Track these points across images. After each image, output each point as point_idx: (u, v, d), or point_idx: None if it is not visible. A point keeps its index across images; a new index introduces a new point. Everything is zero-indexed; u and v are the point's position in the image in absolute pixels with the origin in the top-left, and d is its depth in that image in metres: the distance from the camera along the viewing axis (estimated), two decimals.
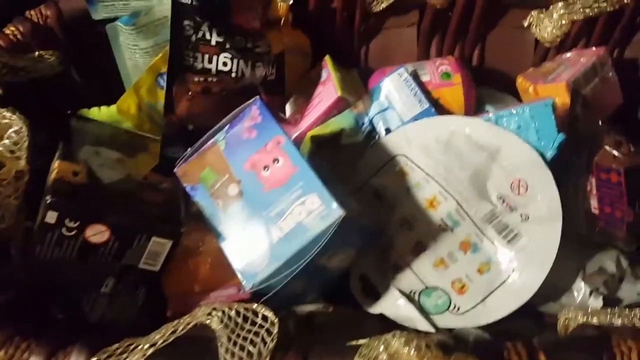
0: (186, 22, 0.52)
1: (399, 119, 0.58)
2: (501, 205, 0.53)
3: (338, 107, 0.59)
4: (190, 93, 0.52)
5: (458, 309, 0.51)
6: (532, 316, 0.52)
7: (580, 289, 0.51)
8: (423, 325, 0.50)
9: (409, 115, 0.58)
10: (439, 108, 0.58)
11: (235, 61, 0.54)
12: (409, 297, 0.52)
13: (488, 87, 0.64)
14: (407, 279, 0.52)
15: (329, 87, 0.59)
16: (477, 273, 0.51)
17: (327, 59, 0.62)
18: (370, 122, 0.59)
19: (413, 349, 0.37)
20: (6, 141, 0.46)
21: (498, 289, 0.51)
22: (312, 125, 0.59)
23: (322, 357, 0.41)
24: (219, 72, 0.53)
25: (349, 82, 0.62)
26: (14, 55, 0.55)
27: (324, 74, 0.61)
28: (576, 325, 0.44)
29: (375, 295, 0.53)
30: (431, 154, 0.55)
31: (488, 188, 0.54)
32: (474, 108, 0.59)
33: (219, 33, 0.53)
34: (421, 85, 0.59)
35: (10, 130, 0.47)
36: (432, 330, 0.50)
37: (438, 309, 0.51)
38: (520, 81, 0.61)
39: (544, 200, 0.52)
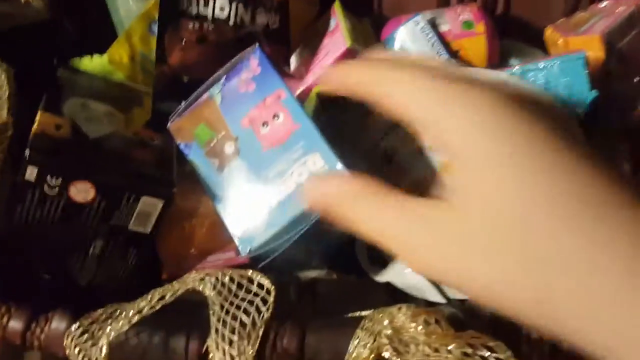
0: None
1: None
2: None
3: (347, 59, 0.54)
4: (184, 41, 0.48)
5: None
6: None
7: None
8: (433, 295, 0.47)
9: None
10: (459, 61, 0.53)
11: (233, 5, 0.49)
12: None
13: (513, 39, 0.58)
14: None
15: (337, 38, 0.55)
16: None
17: (337, 6, 0.57)
18: None
19: (421, 325, 0.34)
20: None
21: None
22: (318, 80, 0.55)
23: (322, 330, 0.38)
24: (215, 18, 0.49)
25: (360, 32, 0.56)
26: None
27: (332, 23, 0.56)
28: None
29: (382, 263, 0.49)
30: None
31: None
32: (497, 61, 0.54)
33: None
34: (440, 36, 0.54)
35: None
36: (442, 300, 0.46)
37: None
38: (550, 33, 0.56)
39: None
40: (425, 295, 0.47)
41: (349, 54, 0.54)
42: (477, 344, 0.33)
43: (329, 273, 0.53)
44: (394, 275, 0.48)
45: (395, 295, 0.47)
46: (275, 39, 0.54)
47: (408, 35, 0.54)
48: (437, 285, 0.47)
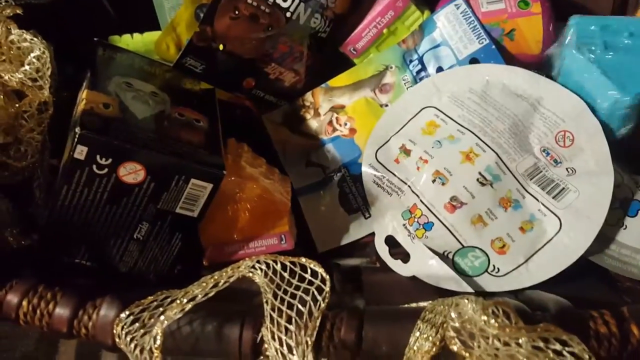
0: None
1: (453, 57, 0.52)
2: (545, 159, 0.48)
3: (396, 7, 0.52)
4: (237, 12, 0.46)
5: (498, 270, 0.46)
6: (606, 282, 0.47)
7: None
8: (460, 286, 0.45)
9: (466, 53, 0.52)
10: (512, 41, 0.52)
11: (296, 1, 0.48)
12: (443, 258, 0.47)
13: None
14: (441, 238, 0.47)
15: None
16: (519, 231, 0.46)
17: None
18: (421, 60, 0.53)
19: (491, 317, 0.32)
20: (27, 67, 0.41)
21: (542, 249, 0.45)
22: (364, 29, 0.53)
23: (380, 321, 0.37)
24: (275, 4, 0.47)
25: None
26: None
27: None
28: None
29: (405, 256, 0.48)
30: (465, 105, 0.50)
31: (530, 140, 0.49)
32: (553, 42, 0.52)
33: None
34: (479, 20, 0.52)
35: (32, 55, 0.42)
36: (469, 290, 0.45)
37: (475, 271, 0.46)
38: None
39: (591, 153, 0.47)
40: (448, 286, 0.45)
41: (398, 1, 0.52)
42: (550, 337, 0.32)
43: (371, 261, 0.52)
44: (419, 267, 0.47)
45: (442, 291, 0.46)
46: (317, 46, 0.53)
47: (447, 19, 0.52)
48: (465, 277, 0.46)
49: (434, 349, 0.34)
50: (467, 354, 0.32)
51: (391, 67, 0.53)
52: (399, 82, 0.53)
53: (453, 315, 0.33)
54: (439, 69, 0.53)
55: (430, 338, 0.35)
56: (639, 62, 0.47)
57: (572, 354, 0.31)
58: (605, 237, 0.46)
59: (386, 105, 0.53)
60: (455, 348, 0.32)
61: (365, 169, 0.51)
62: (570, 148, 0.48)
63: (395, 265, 0.47)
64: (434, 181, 0.47)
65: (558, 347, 0.32)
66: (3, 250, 0.42)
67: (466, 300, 0.34)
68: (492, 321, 0.32)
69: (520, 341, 0.32)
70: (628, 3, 0.58)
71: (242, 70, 0.51)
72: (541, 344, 0.32)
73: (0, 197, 0.44)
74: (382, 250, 0.48)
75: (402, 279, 0.47)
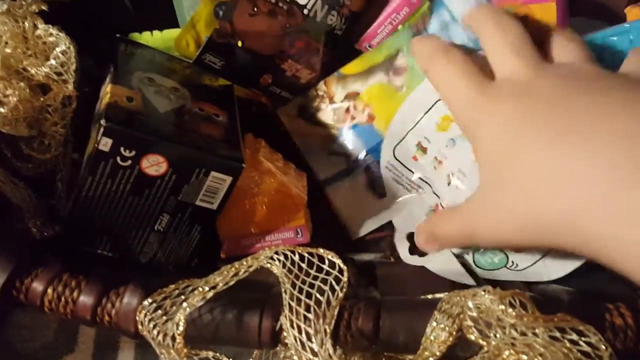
0: None
1: (466, 37, 0.51)
2: None
3: (412, 4, 0.52)
4: (255, 9, 0.47)
5: (517, 265, 0.46)
6: (620, 276, 0.47)
7: None
8: (469, 280, 0.46)
9: None
10: (526, 26, 0.51)
11: None
12: (462, 257, 0.47)
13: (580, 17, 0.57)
14: None
15: None
16: None
17: None
18: None
19: (509, 307, 0.33)
20: (52, 61, 0.42)
21: None
22: (379, 26, 0.53)
23: (397, 311, 0.37)
24: (293, 1, 0.48)
25: None
26: None
27: None
28: None
29: (421, 253, 0.48)
30: None
31: None
32: None
33: None
34: None
35: (57, 49, 0.43)
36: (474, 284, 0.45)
37: (494, 266, 0.46)
38: (636, 11, 0.54)
39: None
40: (461, 279, 0.46)
41: None
42: (567, 327, 0.32)
43: (385, 255, 0.52)
44: (432, 263, 0.47)
45: (456, 284, 0.46)
46: (333, 43, 0.53)
47: None
48: (481, 271, 0.47)
49: (451, 339, 0.35)
50: (485, 343, 0.33)
51: (403, 50, 0.53)
52: (412, 64, 0.52)
53: (470, 305, 0.34)
54: None
55: (447, 328, 0.35)
56: None
57: (588, 344, 0.32)
58: None
59: (402, 89, 0.52)
60: (472, 337, 0.33)
61: (384, 166, 0.52)
62: None
63: (412, 260, 0.48)
64: (449, 184, 0.48)
65: (575, 337, 0.32)
66: (28, 239, 0.43)
67: (483, 292, 0.35)
68: (510, 310, 0.32)
69: (537, 331, 0.32)
70: None
71: (259, 66, 0.52)
72: (557, 334, 0.32)
73: (24, 188, 0.45)
74: (402, 246, 0.49)
75: (416, 273, 0.48)
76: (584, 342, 0.32)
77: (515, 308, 0.33)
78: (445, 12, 0.52)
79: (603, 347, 0.32)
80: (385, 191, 0.52)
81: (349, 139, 0.53)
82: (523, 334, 0.33)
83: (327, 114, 0.54)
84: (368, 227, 0.52)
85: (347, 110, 0.53)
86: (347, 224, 0.52)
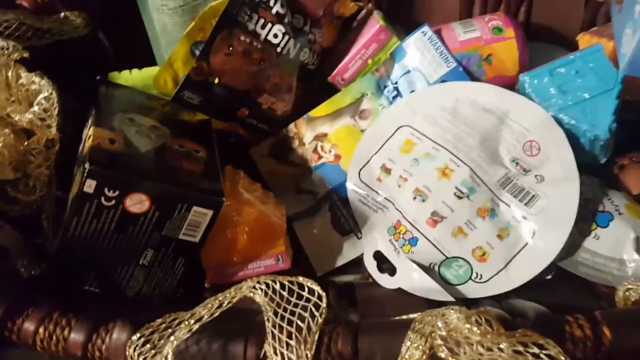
0: None
1: (425, 81, 0.56)
2: (515, 168, 0.52)
3: (379, 39, 0.56)
4: (231, 48, 0.49)
5: (480, 277, 0.49)
6: (583, 288, 0.50)
7: (632, 260, 0.49)
8: (440, 295, 0.48)
9: (436, 77, 0.56)
10: (491, 65, 0.55)
11: (286, 37, 0.51)
12: (429, 270, 0.50)
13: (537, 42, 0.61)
14: (426, 252, 0.50)
15: (369, 24, 0.56)
16: (497, 239, 0.49)
17: (376, 14, 0.58)
18: (395, 86, 0.56)
19: (474, 325, 0.35)
20: (36, 108, 0.44)
21: (519, 254, 0.49)
22: (350, 61, 0.56)
23: (374, 333, 0.40)
24: (266, 40, 0.51)
25: (393, 29, 0.58)
26: (39, 17, 0.52)
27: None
28: (638, 296, 0.42)
29: (392, 270, 0.51)
30: (437, 123, 0.54)
31: (500, 152, 0.52)
32: (527, 64, 0.56)
33: (282, 4, 0.51)
34: (445, 45, 0.56)
35: (40, 96, 0.45)
36: (451, 299, 0.48)
37: (460, 279, 0.49)
38: (587, 38, 0.58)
39: (558, 161, 0.51)
40: (432, 296, 0.48)
41: (382, 33, 0.55)
42: (528, 342, 0.35)
43: (364, 277, 0.55)
44: (403, 280, 0.50)
45: (431, 302, 0.49)
46: (306, 78, 0.56)
47: (416, 46, 0.56)
48: (447, 286, 0.49)
49: (424, 357, 0.37)
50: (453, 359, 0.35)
51: (367, 95, 0.57)
52: (376, 107, 0.56)
53: (440, 324, 0.36)
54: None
55: (420, 347, 0.37)
56: (596, 100, 0.51)
57: (549, 356, 0.34)
58: (580, 247, 0.50)
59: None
60: (443, 355, 0.35)
61: (350, 189, 0.55)
62: (537, 157, 0.52)
63: (382, 279, 0.51)
64: (414, 199, 0.51)
65: (536, 350, 0.35)
66: (17, 279, 0.44)
67: (452, 311, 0.37)
68: (475, 329, 0.35)
69: (501, 346, 0.35)
70: (597, 18, 0.62)
71: (236, 101, 0.54)
72: (520, 348, 0.35)
73: (11, 229, 0.46)
74: (371, 264, 0.52)
75: (393, 293, 0.50)
76: (545, 354, 0.34)
77: (481, 325, 0.36)
78: (406, 60, 0.56)
79: (562, 358, 0.34)
80: (351, 221, 0.54)
81: (316, 178, 0.57)
82: (489, 349, 0.35)
83: (296, 153, 0.57)
84: (331, 264, 0.55)
85: (315, 150, 0.56)
86: (312, 261, 0.55)
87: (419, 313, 0.40)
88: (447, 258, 0.50)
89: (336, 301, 0.51)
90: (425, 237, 0.50)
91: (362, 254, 0.53)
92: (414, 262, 0.50)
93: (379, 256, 0.52)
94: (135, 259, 0.45)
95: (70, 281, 0.45)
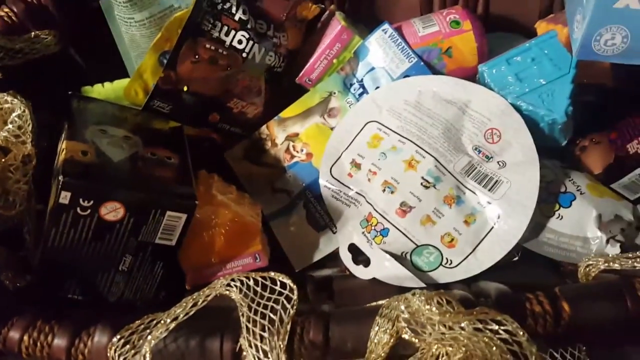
0: None
1: (388, 77, 0.58)
2: (477, 156, 0.54)
3: (342, 39, 0.58)
4: (197, 57, 0.51)
5: (450, 262, 0.51)
6: (550, 267, 0.52)
7: (596, 237, 0.51)
8: (412, 282, 0.50)
9: (398, 72, 0.57)
10: (451, 57, 0.57)
11: (250, 43, 0.53)
12: (401, 259, 0.52)
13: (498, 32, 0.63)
14: (397, 241, 0.52)
15: (331, 25, 0.58)
16: (464, 225, 0.51)
17: (338, 15, 0.60)
18: (361, 84, 0.58)
19: (434, 306, 0.37)
20: (10, 126, 0.46)
21: (486, 238, 0.51)
22: (316, 62, 0.58)
23: (344, 321, 0.41)
24: (231, 46, 0.53)
25: (355, 28, 0.60)
26: (10, 38, 0.54)
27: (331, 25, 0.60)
28: (597, 272, 0.44)
29: (367, 262, 0.53)
30: (402, 116, 0.56)
31: (463, 141, 0.54)
32: (486, 53, 0.58)
33: (244, 11, 0.52)
34: (406, 41, 0.58)
35: (13, 114, 0.46)
36: (422, 285, 0.50)
37: (431, 265, 0.51)
38: (544, 25, 0.60)
39: (518, 146, 0.53)
40: (405, 284, 0.50)
41: (344, 33, 0.57)
42: (487, 319, 0.37)
43: (341, 270, 0.56)
44: (376, 270, 0.52)
45: (404, 290, 0.50)
46: (275, 80, 0.58)
47: (378, 43, 0.58)
48: (419, 273, 0.51)
49: (392, 340, 0.39)
50: (417, 340, 0.37)
51: (334, 93, 0.59)
52: (344, 105, 0.58)
53: (402, 307, 0.38)
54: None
55: (388, 331, 0.39)
56: (552, 85, 0.53)
57: (507, 331, 0.36)
58: (544, 227, 0.52)
59: None
60: (406, 336, 0.37)
61: (322, 185, 0.56)
62: (498, 144, 0.54)
63: (357, 270, 0.52)
64: (384, 191, 0.53)
65: (495, 326, 0.37)
66: (2, 291, 0.46)
67: (414, 294, 0.39)
68: (435, 309, 0.36)
69: (462, 325, 0.37)
70: (553, 6, 0.64)
71: (206, 107, 0.56)
72: (480, 326, 0.37)
73: None
74: (346, 257, 0.53)
75: (368, 283, 0.52)
76: (503, 330, 0.36)
77: (442, 306, 0.37)
78: (370, 58, 0.58)
79: (520, 332, 0.36)
80: (325, 216, 0.56)
81: (290, 177, 0.59)
82: (451, 328, 0.37)
83: (270, 154, 0.59)
84: (308, 259, 0.56)
85: (287, 150, 0.58)
86: (290, 257, 0.56)
87: (386, 300, 0.42)
88: (418, 246, 0.52)
89: (314, 295, 0.53)
90: (396, 227, 0.52)
91: (338, 248, 0.55)
92: (387, 252, 0.52)
93: (353, 249, 0.54)
94: (115, 265, 0.46)
95: (53, 290, 0.47)
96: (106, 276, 0.47)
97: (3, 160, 0.47)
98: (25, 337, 0.41)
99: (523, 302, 0.40)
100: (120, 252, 0.46)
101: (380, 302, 0.43)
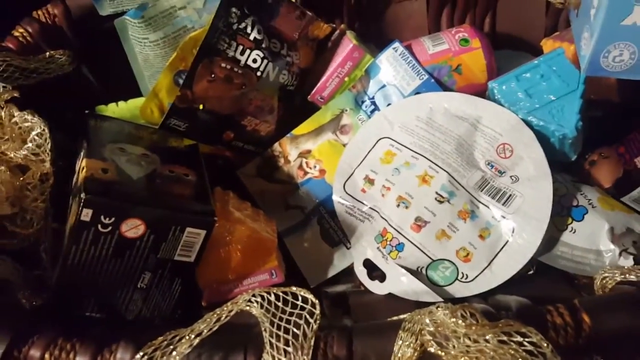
0: (233, 10, 0.52)
1: (399, 94, 0.59)
2: (490, 171, 0.54)
3: (353, 58, 0.58)
4: (213, 75, 0.52)
5: (466, 276, 0.51)
6: (564, 280, 0.52)
7: (609, 250, 0.52)
8: (429, 297, 0.50)
9: (409, 89, 0.58)
10: (461, 75, 0.58)
11: (265, 62, 0.54)
12: (417, 273, 0.52)
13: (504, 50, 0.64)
14: (412, 256, 0.52)
15: (343, 43, 0.59)
16: (479, 239, 0.52)
17: (349, 34, 0.61)
18: (372, 101, 0.59)
19: (459, 319, 0.37)
20: (30, 144, 0.46)
21: (501, 252, 0.52)
22: (327, 80, 0.59)
23: (367, 336, 0.41)
24: (246, 65, 0.54)
25: (366, 46, 0.61)
26: (25, 58, 0.54)
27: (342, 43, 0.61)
28: (614, 283, 0.45)
29: (382, 277, 0.53)
30: (414, 132, 0.56)
31: (475, 156, 0.55)
32: (495, 71, 0.59)
33: (259, 31, 0.53)
34: (417, 59, 0.59)
35: (33, 132, 0.47)
36: (439, 300, 0.50)
37: (447, 280, 0.52)
38: (550, 43, 0.61)
39: (530, 161, 0.54)
40: (422, 298, 0.50)
41: (355, 51, 0.58)
42: (511, 331, 0.37)
43: (356, 285, 0.57)
44: (392, 285, 0.52)
45: (420, 304, 0.51)
46: (287, 98, 0.59)
47: (388, 61, 0.59)
48: (435, 287, 0.51)
49: (415, 354, 0.39)
50: (443, 353, 0.37)
51: (346, 110, 0.59)
52: (356, 122, 0.59)
53: (427, 321, 0.38)
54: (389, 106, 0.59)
55: (412, 344, 0.39)
56: (562, 100, 0.54)
57: (532, 343, 0.37)
58: (558, 241, 0.52)
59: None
60: (432, 349, 0.37)
61: (336, 201, 0.57)
62: (511, 158, 0.54)
63: (373, 285, 0.53)
64: (398, 206, 0.53)
65: (519, 338, 0.37)
66: (20, 310, 0.45)
67: (438, 308, 0.39)
68: (460, 322, 0.37)
69: (487, 337, 0.37)
70: (558, 24, 0.66)
71: (221, 125, 0.57)
72: (505, 338, 0.37)
73: (12, 263, 0.48)
74: (361, 272, 0.54)
75: (384, 298, 0.52)
76: (528, 342, 0.36)
77: (466, 319, 0.38)
78: (381, 75, 0.59)
79: (545, 344, 0.36)
80: (339, 232, 0.56)
81: (303, 193, 0.59)
82: (475, 341, 0.37)
83: (283, 171, 0.60)
84: (323, 275, 0.57)
85: (300, 166, 0.59)
86: (304, 273, 0.57)
87: (409, 313, 0.43)
88: (433, 261, 0.52)
89: (330, 311, 0.53)
90: (411, 242, 0.52)
91: (353, 263, 0.56)
92: (402, 266, 0.52)
93: (368, 264, 0.54)
94: (134, 282, 0.46)
95: (71, 308, 0.47)
96: (125, 293, 0.47)
97: (22, 178, 0.47)
98: (47, 356, 0.41)
99: (544, 315, 0.41)
100: (140, 269, 0.46)
101: (402, 316, 0.43)
